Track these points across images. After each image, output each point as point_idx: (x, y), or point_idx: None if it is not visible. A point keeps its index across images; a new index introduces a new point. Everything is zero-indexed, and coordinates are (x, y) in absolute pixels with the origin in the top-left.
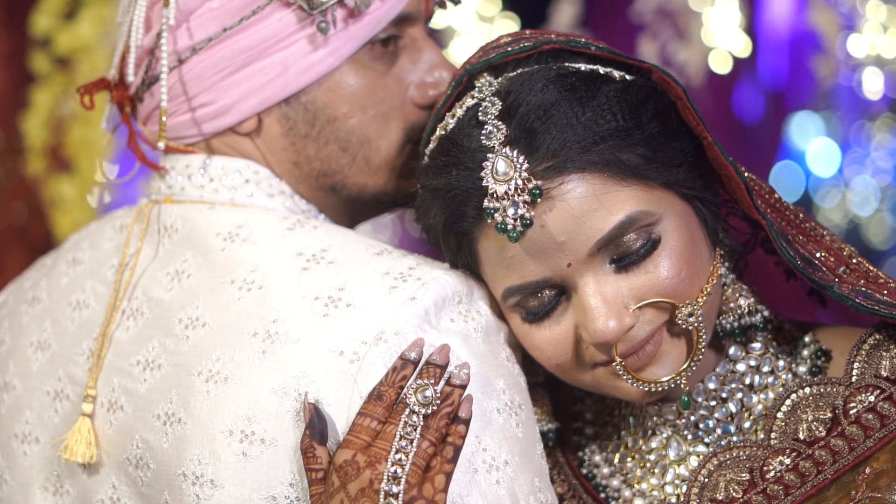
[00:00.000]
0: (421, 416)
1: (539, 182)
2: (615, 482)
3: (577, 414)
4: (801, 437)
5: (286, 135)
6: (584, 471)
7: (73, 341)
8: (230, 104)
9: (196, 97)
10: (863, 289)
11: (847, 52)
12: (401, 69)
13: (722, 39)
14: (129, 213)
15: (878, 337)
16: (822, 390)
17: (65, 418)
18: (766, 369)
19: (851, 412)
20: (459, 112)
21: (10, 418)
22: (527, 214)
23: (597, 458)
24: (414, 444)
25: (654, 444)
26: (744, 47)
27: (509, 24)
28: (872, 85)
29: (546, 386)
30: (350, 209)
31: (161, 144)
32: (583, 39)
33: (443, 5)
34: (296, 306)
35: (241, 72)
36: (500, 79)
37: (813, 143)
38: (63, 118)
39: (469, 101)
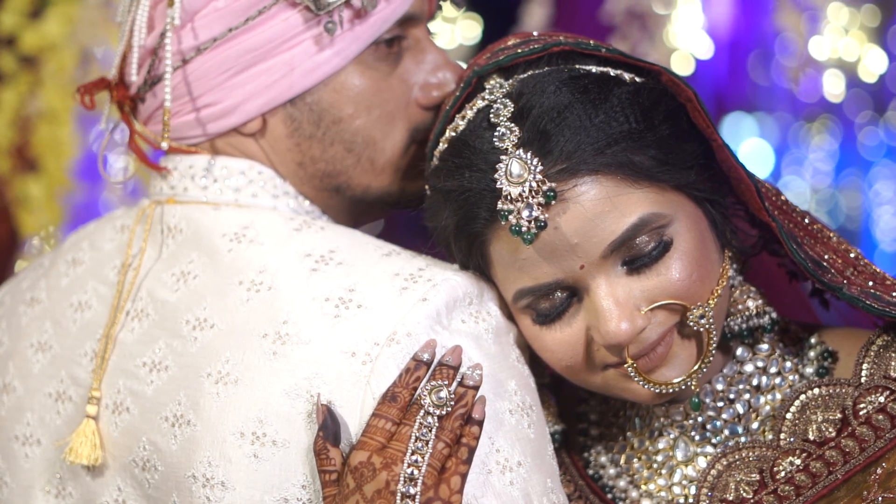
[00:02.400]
0: (436, 418)
1: (553, 184)
2: (622, 483)
3: (582, 415)
4: (811, 437)
5: (291, 135)
6: (591, 471)
7: (76, 342)
8: (235, 104)
9: (200, 97)
10: (872, 290)
11: (788, 54)
12: (405, 70)
13: (684, 41)
14: (129, 214)
15: (886, 338)
16: (831, 391)
17: (67, 420)
18: (773, 370)
19: (861, 413)
20: (470, 114)
21: (11, 420)
22: (541, 216)
23: (603, 458)
24: (429, 446)
25: (661, 445)
26: (706, 49)
27: (472, 25)
28: (833, 87)
29: (550, 387)
30: (354, 210)
31: (165, 145)
32: (592, 41)
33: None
34: (306, 307)
35: (246, 72)
36: (510, 80)
37: (745, 144)
38: (29, 117)
39: (479, 103)
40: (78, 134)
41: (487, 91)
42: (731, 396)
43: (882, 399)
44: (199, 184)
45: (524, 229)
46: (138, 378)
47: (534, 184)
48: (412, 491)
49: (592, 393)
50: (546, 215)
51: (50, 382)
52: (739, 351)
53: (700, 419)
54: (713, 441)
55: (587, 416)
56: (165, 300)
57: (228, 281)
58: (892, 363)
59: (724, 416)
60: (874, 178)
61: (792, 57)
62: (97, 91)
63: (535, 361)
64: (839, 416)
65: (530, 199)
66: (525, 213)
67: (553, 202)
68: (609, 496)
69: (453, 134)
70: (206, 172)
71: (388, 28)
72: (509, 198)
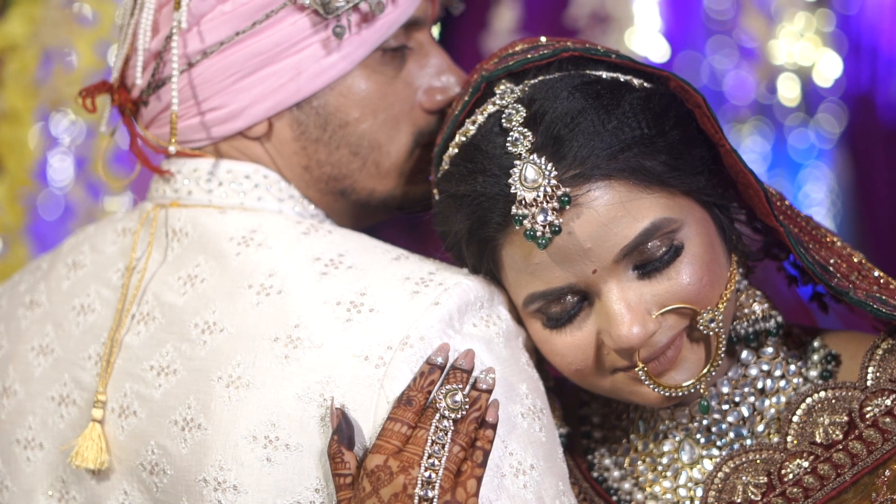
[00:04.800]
0: (451, 421)
1: (567, 189)
2: (626, 485)
3: (584, 418)
4: (818, 440)
5: (297, 139)
6: (595, 474)
7: (79, 346)
8: (241, 108)
9: (206, 101)
10: (877, 294)
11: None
12: (409, 73)
13: (640, 45)
14: (130, 217)
15: (891, 342)
16: (837, 394)
17: (71, 424)
18: (777, 373)
19: (868, 416)
20: (480, 119)
21: (12, 424)
22: (556, 221)
23: (606, 461)
24: (445, 449)
25: (665, 448)
26: (663, 52)
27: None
28: (789, 91)
29: (553, 390)
30: (358, 214)
31: (172, 149)
32: (600, 47)
33: (449, 11)
34: (318, 311)
35: (252, 76)
36: (520, 86)
37: None
38: None
39: (490, 108)
40: (40, 135)
41: (498, 96)
42: (736, 399)
43: (888, 402)
44: (203, 187)
45: (539, 234)
46: (145, 382)
47: (548, 189)
48: (430, 494)
49: (594, 396)
50: (560, 220)
51: (52, 386)
52: (744, 354)
53: (705, 422)
54: (718, 444)
55: (590, 418)
56: (172, 304)
57: (237, 284)
58: None
59: (729, 418)
60: (804, 179)
61: (726, 60)
62: (99, 94)
63: (538, 365)
64: (846, 419)
65: (545, 203)
66: (540, 218)
67: (567, 207)
68: (614, 498)
69: (464, 139)
70: (210, 176)
71: (394, 32)
72: (524, 202)
